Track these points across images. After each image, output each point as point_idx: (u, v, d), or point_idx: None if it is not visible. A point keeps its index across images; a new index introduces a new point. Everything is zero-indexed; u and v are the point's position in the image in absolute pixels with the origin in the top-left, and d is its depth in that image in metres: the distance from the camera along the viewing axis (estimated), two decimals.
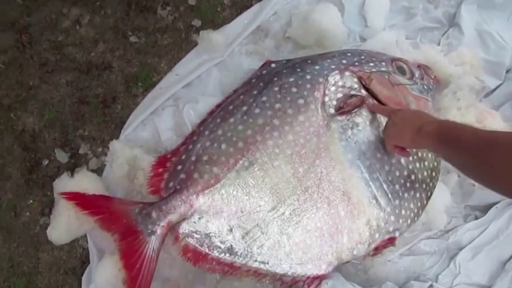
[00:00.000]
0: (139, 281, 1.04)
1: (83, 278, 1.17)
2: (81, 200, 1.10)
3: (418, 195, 1.17)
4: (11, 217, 1.26)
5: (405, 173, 1.16)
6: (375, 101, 1.19)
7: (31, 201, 1.29)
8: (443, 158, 0.95)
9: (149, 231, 1.07)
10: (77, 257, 1.24)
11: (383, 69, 1.25)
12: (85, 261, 1.22)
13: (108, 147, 1.27)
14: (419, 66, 1.34)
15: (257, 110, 1.16)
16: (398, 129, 1.01)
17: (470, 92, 1.37)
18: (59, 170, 1.31)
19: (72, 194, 1.11)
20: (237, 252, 1.11)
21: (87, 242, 1.20)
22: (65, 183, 1.20)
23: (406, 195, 1.15)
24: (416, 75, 1.29)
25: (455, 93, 1.35)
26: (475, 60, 1.44)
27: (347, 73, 1.21)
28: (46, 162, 1.32)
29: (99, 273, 1.12)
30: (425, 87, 1.29)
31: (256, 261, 1.11)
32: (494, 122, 1.33)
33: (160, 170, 1.17)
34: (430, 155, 1.20)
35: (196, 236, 1.10)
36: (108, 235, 1.08)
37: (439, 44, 1.51)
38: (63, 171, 1.28)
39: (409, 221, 1.17)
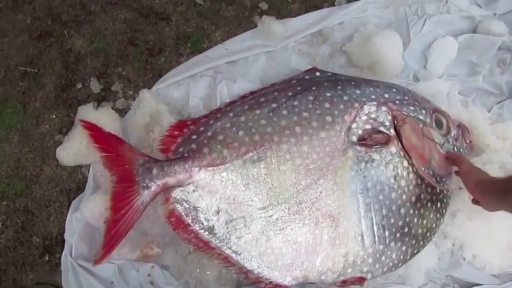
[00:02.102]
0: (120, 225, 1.10)
1: (73, 203, 1.24)
2: (96, 133, 1.16)
3: (404, 248, 1.17)
4: (32, 124, 1.34)
5: (400, 223, 1.15)
6: (400, 144, 1.18)
7: (54, 116, 1.36)
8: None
9: (145, 184, 1.11)
10: (75, 181, 1.31)
11: (421, 117, 1.23)
12: (81, 188, 1.29)
13: (138, 94, 1.31)
14: (459, 125, 1.31)
15: (284, 112, 1.18)
16: (463, 179, 1.13)
17: (500, 169, 1.33)
18: (88, 97, 1.37)
19: (91, 124, 1.16)
20: (216, 233, 1.15)
21: (88, 172, 1.27)
22: (88, 112, 1.25)
23: (392, 244, 1.15)
24: (452, 134, 1.27)
25: (485, 164, 1.32)
26: None
27: (384, 108, 1.20)
28: (80, 86, 1.38)
29: (87, 204, 1.18)
30: (456, 148, 1.26)
31: (230, 248, 1.15)
32: None
33: (176, 133, 1.21)
34: (431, 215, 1.19)
35: (185, 205, 1.15)
36: (108, 174, 1.14)
37: (489, 111, 1.46)
38: (91, 100, 1.34)
39: (385, 269, 1.17)
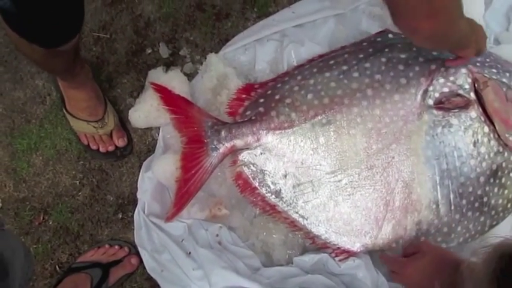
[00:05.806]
0: (190, 184, 1.12)
1: (144, 163, 1.28)
2: (166, 95, 1.17)
3: (482, 219, 1.10)
4: (105, 88, 1.37)
5: (479, 192, 1.09)
6: (480, 109, 1.10)
7: (125, 81, 1.40)
8: None
9: (213, 146, 1.12)
10: (145, 143, 1.35)
11: (504, 80, 1.14)
12: (151, 150, 1.32)
13: (206, 58, 1.31)
14: None
15: (355, 74, 1.13)
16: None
17: None
18: (157, 62, 1.39)
19: (161, 87, 1.18)
20: (283, 197, 1.14)
21: (158, 134, 1.30)
22: (158, 75, 1.27)
23: (469, 213, 1.09)
24: None
25: None
26: None
27: (463, 70, 1.12)
28: (149, 51, 1.40)
29: (158, 164, 1.21)
30: None
31: (297, 213, 1.14)
32: None
33: (244, 96, 1.20)
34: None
35: (252, 168, 1.15)
36: (177, 135, 1.16)
37: None
38: (160, 64, 1.36)
39: (460, 240, 1.11)
